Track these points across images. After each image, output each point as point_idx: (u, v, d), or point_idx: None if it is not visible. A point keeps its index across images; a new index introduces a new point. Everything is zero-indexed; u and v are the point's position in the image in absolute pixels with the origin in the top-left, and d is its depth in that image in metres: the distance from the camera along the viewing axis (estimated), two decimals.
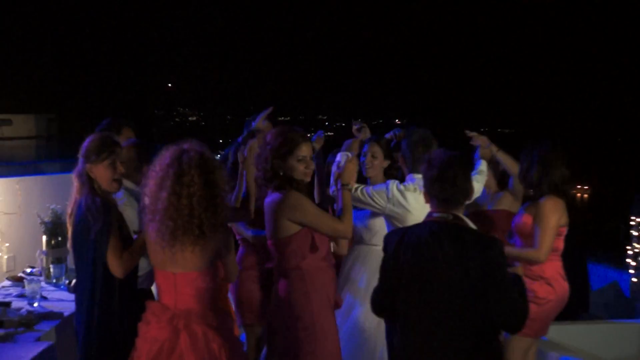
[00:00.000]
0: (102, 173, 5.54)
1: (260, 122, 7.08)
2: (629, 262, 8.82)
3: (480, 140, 6.89)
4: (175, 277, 4.98)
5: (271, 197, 5.62)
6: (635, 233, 8.89)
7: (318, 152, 6.88)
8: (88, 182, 5.55)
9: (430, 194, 4.56)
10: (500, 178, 7.32)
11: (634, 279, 8.75)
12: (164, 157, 4.95)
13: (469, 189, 4.64)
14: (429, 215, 4.56)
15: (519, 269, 5.42)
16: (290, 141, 5.52)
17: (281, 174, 5.52)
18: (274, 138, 5.62)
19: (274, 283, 5.79)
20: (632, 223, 8.90)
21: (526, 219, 6.42)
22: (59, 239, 7.52)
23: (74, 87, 24.79)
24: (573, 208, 6.47)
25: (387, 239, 4.62)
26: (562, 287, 6.44)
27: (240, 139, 6.99)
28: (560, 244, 6.48)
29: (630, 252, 8.83)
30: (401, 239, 4.51)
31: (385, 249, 4.60)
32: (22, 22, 28.53)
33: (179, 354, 4.89)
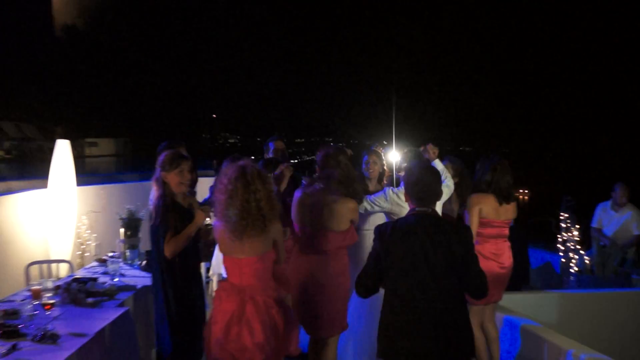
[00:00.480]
0: (172, 179, 5.57)
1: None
2: (559, 247, 8.92)
3: (431, 153, 6.76)
4: (241, 261, 5.00)
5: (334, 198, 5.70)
6: (563, 225, 9.02)
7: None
8: (162, 186, 5.58)
9: (410, 195, 4.49)
10: None
11: (563, 260, 8.86)
12: (229, 172, 4.99)
13: (440, 192, 4.59)
14: (412, 210, 4.48)
15: None
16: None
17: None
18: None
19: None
20: (560, 217, 9.02)
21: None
22: (133, 231, 7.49)
23: (142, 118, 24.80)
24: (517, 207, 6.41)
25: (380, 229, 4.48)
26: (492, 264, 6.22)
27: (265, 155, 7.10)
28: (488, 231, 6.35)
29: (559, 240, 8.93)
30: (392, 228, 4.43)
31: (380, 237, 4.45)
32: (106, 71, 28.50)
33: (246, 319, 4.92)
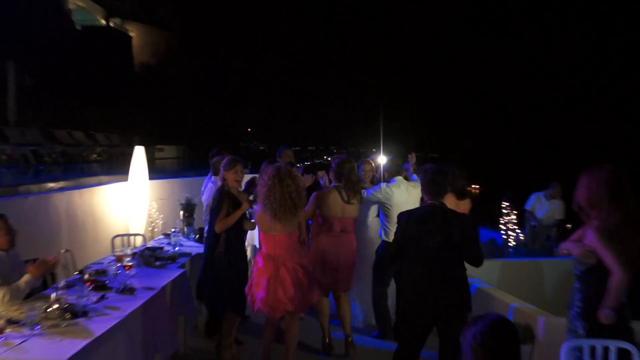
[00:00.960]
0: (230, 176, 5.66)
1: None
2: (501, 227, 8.98)
3: (412, 158, 6.81)
4: (274, 237, 5.23)
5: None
6: (504, 211, 9.07)
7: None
8: (222, 181, 5.70)
9: (425, 190, 4.56)
10: None
11: (504, 236, 8.91)
12: (268, 171, 5.25)
13: (447, 188, 4.66)
14: (425, 202, 4.59)
15: None
16: None
17: None
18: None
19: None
20: (502, 205, 9.08)
21: None
22: (189, 213, 7.54)
23: (196, 131, 24.83)
24: (472, 199, 6.38)
25: (400, 216, 4.62)
26: None
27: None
28: None
29: (501, 221, 8.98)
30: (409, 216, 4.54)
31: (399, 222, 4.58)
32: (170, 96, 28.53)
33: (281, 279, 5.15)
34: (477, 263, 4.44)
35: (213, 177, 6.54)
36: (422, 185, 4.65)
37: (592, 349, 3.56)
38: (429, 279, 4.37)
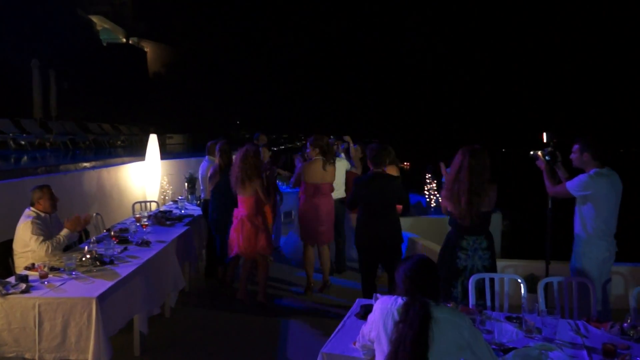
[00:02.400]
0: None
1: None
2: (425, 192, 9.05)
3: (349, 139, 6.59)
4: (240, 199, 5.19)
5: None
6: (427, 181, 9.13)
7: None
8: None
9: (371, 161, 4.68)
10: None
11: (427, 199, 8.97)
12: (240, 151, 5.17)
13: (386, 161, 4.85)
14: (370, 170, 4.70)
15: None
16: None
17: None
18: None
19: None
20: (426, 176, 9.13)
21: None
22: (192, 184, 7.42)
23: (197, 123, 24.54)
24: (403, 173, 6.38)
25: (355, 179, 4.80)
26: None
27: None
28: None
29: (425, 189, 9.05)
30: (361, 179, 4.75)
31: (354, 184, 4.73)
32: (176, 97, 28.05)
33: (238, 229, 5.18)
34: (407, 207, 4.78)
35: (207, 157, 6.39)
36: (368, 158, 4.73)
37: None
38: (374, 220, 4.58)
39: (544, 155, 4.22)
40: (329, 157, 5.69)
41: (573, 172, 4.05)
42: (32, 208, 4.25)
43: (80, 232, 4.55)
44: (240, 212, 5.23)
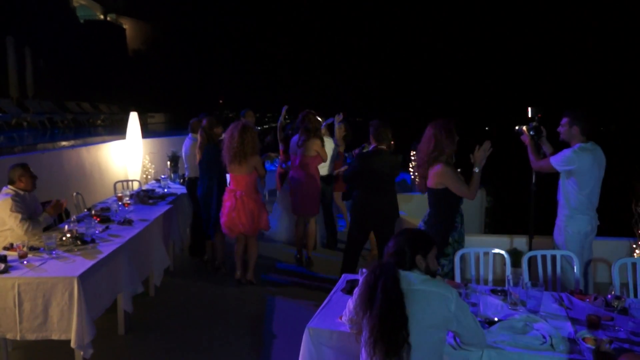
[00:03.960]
0: (218, 132, 5.47)
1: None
2: (410, 170, 9.04)
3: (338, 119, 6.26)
4: (236, 177, 5.05)
5: None
6: (412, 158, 9.09)
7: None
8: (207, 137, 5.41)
9: (374, 138, 4.66)
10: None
11: (412, 177, 8.97)
12: (235, 127, 5.00)
13: (388, 137, 4.73)
14: (372, 146, 4.68)
15: None
16: None
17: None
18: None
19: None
20: (411, 153, 9.01)
21: None
22: (174, 163, 7.31)
23: (178, 102, 24.22)
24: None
25: (357, 155, 4.93)
26: None
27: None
28: None
29: (410, 166, 9.04)
30: (362, 154, 4.83)
31: (356, 158, 4.81)
32: (157, 75, 27.54)
33: (237, 208, 5.04)
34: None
35: (190, 135, 6.25)
36: (371, 134, 4.72)
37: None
38: (375, 196, 4.64)
39: (528, 130, 4.22)
40: (314, 133, 5.69)
41: (558, 147, 4.07)
42: (10, 186, 4.15)
43: (60, 213, 4.46)
44: (237, 190, 5.09)
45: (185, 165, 6.21)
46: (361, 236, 4.84)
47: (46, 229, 4.28)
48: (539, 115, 4.31)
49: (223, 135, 5.42)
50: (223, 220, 5.12)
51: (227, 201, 5.10)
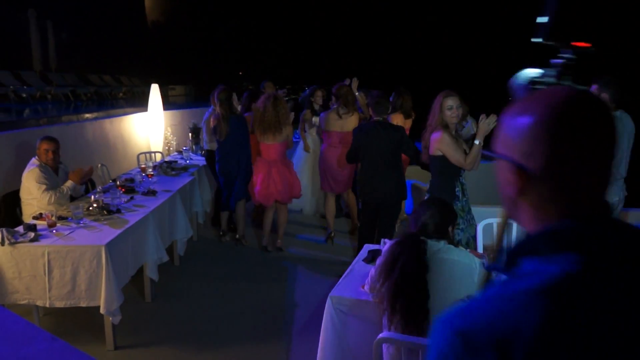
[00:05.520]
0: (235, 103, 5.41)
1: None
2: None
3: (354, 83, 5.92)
4: (268, 146, 5.11)
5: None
6: None
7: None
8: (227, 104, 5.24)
9: (373, 111, 4.46)
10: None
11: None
12: (268, 97, 5.06)
13: (389, 108, 4.67)
14: (371, 118, 4.52)
15: None
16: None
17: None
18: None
19: None
20: None
21: None
22: (196, 135, 7.33)
23: (199, 74, 24.19)
24: (413, 121, 6.18)
25: (355, 129, 4.62)
26: None
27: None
28: None
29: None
30: (360, 128, 4.57)
31: (354, 134, 4.58)
32: (178, 47, 27.49)
33: (272, 177, 5.13)
34: (417, 156, 4.36)
35: (212, 107, 6.22)
36: (369, 105, 4.56)
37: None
38: (376, 172, 4.40)
39: None
40: (350, 107, 5.43)
41: None
42: (36, 157, 4.22)
43: (85, 183, 4.54)
44: (270, 158, 5.16)
45: (205, 138, 6.20)
46: (371, 215, 4.56)
47: (73, 200, 4.36)
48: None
49: (239, 107, 5.44)
50: (257, 189, 5.22)
51: (260, 172, 5.19)
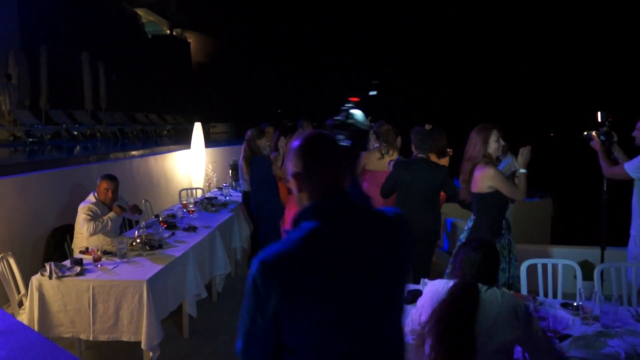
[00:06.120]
0: (262, 143, 5.50)
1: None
2: None
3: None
4: None
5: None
6: None
7: None
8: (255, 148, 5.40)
9: (415, 146, 4.38)
10: None
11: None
12: (299, 136, 4.89)
13: (432, 146, 4.59)
14: (414, 155, 4.41)
15: None
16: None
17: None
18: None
19: None
20: None
21: None
22: (235, 171, 7.46)
23: (239, 112, 24.79)
24: (450, 158, 6.13)
25: (395, 163, 4.49)
26: None
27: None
28: None
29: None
30: (400, 163, 4.45)
31: (395, 167, 4.43)
32: (220, 87, 28.39)
33: None
34: (455, 197, 4.29)
35: None
36: (412, 142, 4.47)
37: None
38: (416, 209, 4.25)
39: (598, 136, 4.02)
40: (390, 146, 5.30)
41: (630, 153, 3.85)
42: (95, 193, 4.38)
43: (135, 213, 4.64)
44: None
45: (241, 180, 6.25)
46: None
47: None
48: (610, 119, 4.09)
49: (268, 147, 5.47)
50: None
51: (292, 209, 5.14)
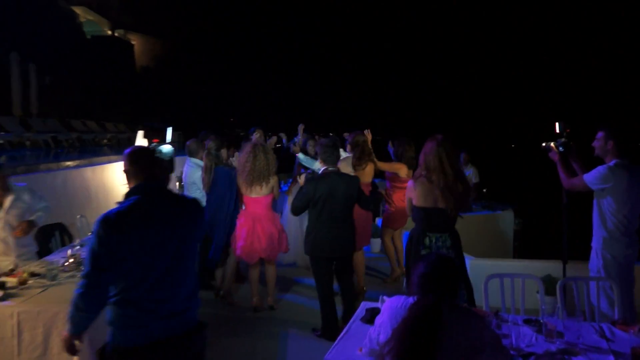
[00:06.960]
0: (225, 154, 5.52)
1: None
2: None
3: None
4: (255, 200, 5.02)
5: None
6: None
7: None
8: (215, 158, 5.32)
9: (322, 160, 4.58)
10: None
11: None
12: (247, 146, 5.04)
13: (337, 160, 4.65)
14: (325, 169, 4.53)
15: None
16: None
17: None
18: None
19: None
20: None
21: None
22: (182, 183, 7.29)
23: (187, 121, 24.52)
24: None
25: (307, 177, 4.75)
26: (402, 204, 5.64)
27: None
28: (400, 184, 5.79)
29: None
30: (315, 178, 4.62)
31: (306, 182, 4.59)
32: (165, 93, 27.98)
33: (257, 233, 5.00)
34: (367, 206, 4.82)
35: (189, 160, 6.06)
36: (319, 155, 4.64)
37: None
38: (329, 223, 4.43)
39: (557, 147, 4.16)
40: (364, 158, 5.50)
41: (589, 164, 4.00)
42: None
43: (62, 236, 4.47)
44: (255, 213, 5.06)
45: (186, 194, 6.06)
46: (323, 271, 4.55)
47: (41, 255, 4.28)
48: (567, 130, 4.24)
49: (235, 159, 5.39)
50: (240, 244, 5.05)
51: (244, 226, 5.05)
